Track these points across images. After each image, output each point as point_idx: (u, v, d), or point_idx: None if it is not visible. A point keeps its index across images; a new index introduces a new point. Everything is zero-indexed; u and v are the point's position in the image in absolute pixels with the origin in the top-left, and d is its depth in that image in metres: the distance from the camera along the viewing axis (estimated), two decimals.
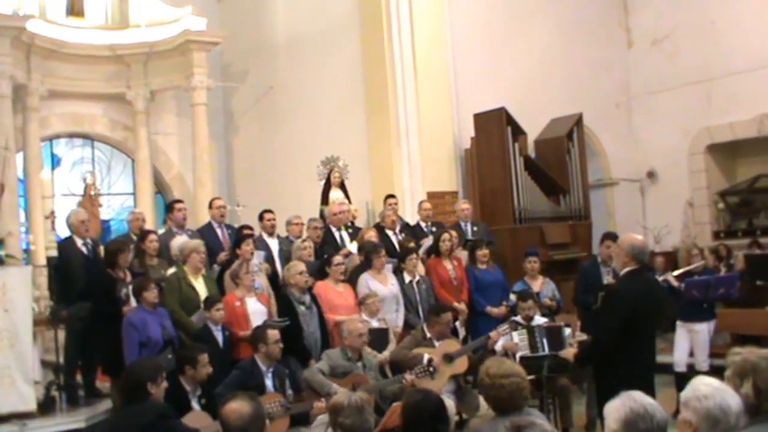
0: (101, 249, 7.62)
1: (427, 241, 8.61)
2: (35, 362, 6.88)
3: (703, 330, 7.82)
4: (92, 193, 12.36)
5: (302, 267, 7.00)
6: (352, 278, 7.59)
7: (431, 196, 10.27)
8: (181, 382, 5.36)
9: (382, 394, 5.99)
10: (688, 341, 7.84)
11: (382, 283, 7.45)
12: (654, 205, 13.05)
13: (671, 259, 9.58)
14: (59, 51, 11.80)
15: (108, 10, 12.70)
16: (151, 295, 6.40)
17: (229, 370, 5.94)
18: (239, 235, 7.66)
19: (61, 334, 7.09)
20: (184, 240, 7.61)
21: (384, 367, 6.61)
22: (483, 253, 8.14)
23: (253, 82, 13.00)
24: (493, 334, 6.71)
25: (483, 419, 4.28)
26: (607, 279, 7.48)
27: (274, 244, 8.31)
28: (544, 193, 10.86)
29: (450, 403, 4.05)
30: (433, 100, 10.77)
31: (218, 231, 8.37)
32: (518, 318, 6.99)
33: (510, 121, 10.50)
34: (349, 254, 8.16)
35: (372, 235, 8.30)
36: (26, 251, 10.80)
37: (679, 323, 7.87)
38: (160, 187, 13.37)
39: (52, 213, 7.40)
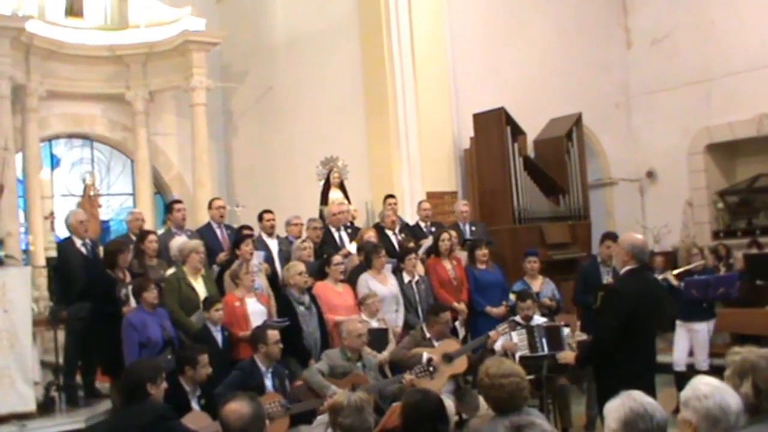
0: (101, 249, 7.62)
1: (427, 242, 8.61)
2: (35, 363, 6.87)
3: (703, 329, 7.82)
4: (91, 193, 12.35)
5: (302, 267, 7.00)
6: (351, 278, 7.59)
7: (431, 196, 10.27)
8: (180, 382, 5.36)
9: (381, 394, 5.98)
10: (687, 341, 7.84)
11: (382, 283, 7.45)
12: (653, 204, 13.05)
13: (671, 259, 9.57)
14: (58, 51, 11.79)
15: (107, 10, 12.69)
16: (151, 295, 6.41)
17: (228, 370, 5.94)
18: (239, 236, 7.66)
19: (61, 335, 7.08)
20: (184, 240, 7.61)
21: (384, 367, 6.61)
22: (482, 252, 8.14)
23: (253, 82, 13.00)
24: (492, 333, 6.70)
25: (483, 419, 4.29)
26: (607, 279, 7.49)
27: (273, 245, 8.31)
28: (543, 193, 10.85)
29: (449, 403, 4.05)
30: (433, 100, 10.77)
31: (218, 231, 8.37)
32: (517, 318, 6.99)
33: (509, 121, 10.50)
34: (348, 254, 8.16)
35: (371, 236, 8.30)
36: (26, 252, 10.81)
37: (678, 323, 7.87)
38: (159, 187, 13.37)
39: (52, 213, 7.39)
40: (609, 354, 4.88)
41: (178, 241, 7.64)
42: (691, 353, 7.86)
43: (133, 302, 6.68)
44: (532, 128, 11.32)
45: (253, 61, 12.99)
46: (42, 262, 8.26)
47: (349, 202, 9.88)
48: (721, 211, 12.36)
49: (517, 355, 6.49)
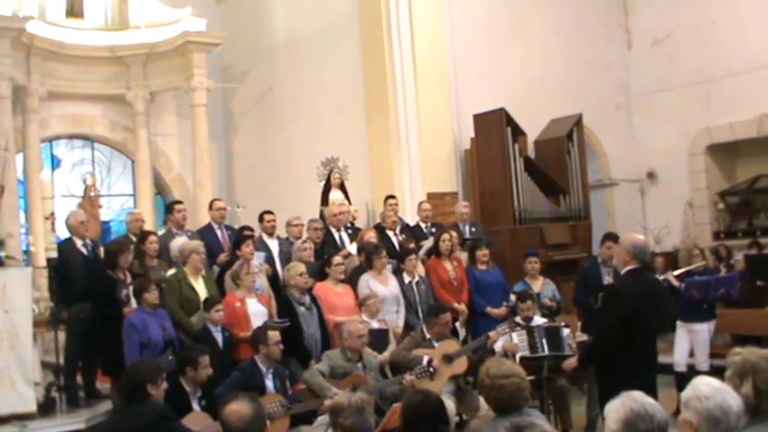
0: (101, 250, 7.62)
1: (428, 243, 8.60)
2: (35, 363, 6.88)
3: (703, 330, 7.82)
4: (92, 194, 12.36)
5: (302, 268, 7.00)
6: (351, 279, 7.59)
7: (431, 196, 10.26)
8: (181, 383, 5.36)
9: (382, 395, 5.98)
10: (688, 341, 7.84)
11: (382, 284, 7.45)
12: (654, 205, 13.05)
13: (671, 260, 9.58)
14: (59, 52, 11.80)
15: (107, 11, 12.70)
16: (152, 296, 6.41)
17: (229, 371, 5.94)
18: (239, 236, 7.65)
19: (62, 336, 7.08)
20: (184, 241, 7.61)
21: (384, 367, 6.60)
22: (483, 253, 8.13)
23: (253, 83, 13.00)
24: (492, 333, 6.70)
25: (483, 420, 4.28)
26: (608, 279, 7.49)
27: (274, 245, 8.31)
28: (544, 193, 10.85)
29: (450, 403, 4.05)
30: (433, 101, 10.76)
31: (218, 232, 8.37)
32: (518, 319, 6.99)
33: (510, 121, 10.49)
34: (348, 255, 8.16)
35: (371, 236, 8.29)
36: (26, 252, 10.81)
37: (679, 323, 7.87)
38: (160, 188, 13.37)
39: (52, 214, 7.38)
40: (609, 354, 4.88)
41: (179, 242, 7.65)
42: (691, 354, 7.86)
43: (133, 303, 6.68)
44: (533, 129, 11.32)
45: (253, 62, 13.00)
46: (42, 262, 8.27)
47: (350, 203, 9.88)
48: (721, 211, 12.35)
49: (518, 356, 6.48)
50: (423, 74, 10.71)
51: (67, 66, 11.98)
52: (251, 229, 8.40)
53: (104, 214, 12.83)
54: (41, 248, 9.20)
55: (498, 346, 6.72)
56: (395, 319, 7.41)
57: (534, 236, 10.22)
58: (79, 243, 7.27)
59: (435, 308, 6.88)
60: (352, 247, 8.38)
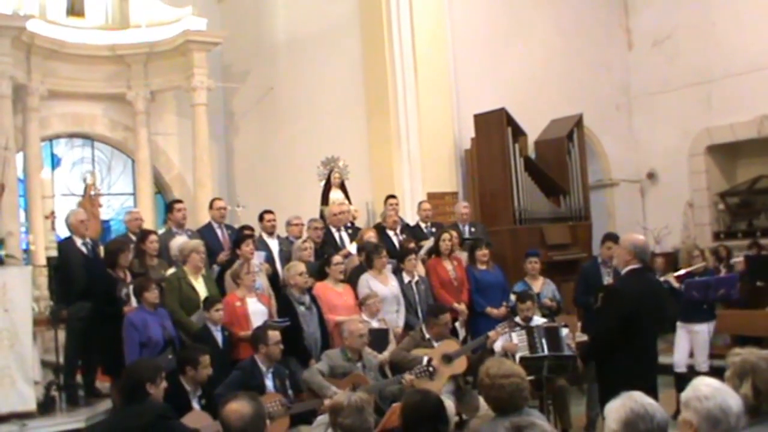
0: (101, 249, 7.62)
1: (428, 243, 8.60)
2: (35, 362, 6.87)
3: (703, 331, 7.81)
4: (92, 193, 12.38)
5: (302, 267, 7.00)
6: (351, 279, 7.59)
7: (431, 196, 10.27)
8: (181, 382, 5.36)
9: (381, 395, 5.98)
10: (688, 342, 7.83)
11: (383, 284, 7.45)
12: (654, 206, 13.05)
13: (671, 260, 9.58)
14: (59, 51, 11.80)
15: (108, 10, 12.70)
16: (152, 295, 6.41)
17: (228, 370, 5.94)
18: (239, 236, 7.65)
19: (61, 334, 7.08)
20: (184, 240, 7.61)
21: (384, 367, 6.60)
22: (483, 253, 8.13)
23: (254, 82, 13.00)
24: (491, 333, 6.70)
25: (483, 420, 4.28)
26: (608, 280, 7.49)
27: (274, 245, 8.31)
28: (544, 193, 10.85)
29: (449, 403, 4.05)
30: (433, 101, 10.76)
31: (218, 231, 8.37)
32: (517, 319, 6.99)
33: (510, 121, 10.49)
34: (348, 255, 8.16)
35: (371, 236, 8.29)
36: (26, 251, 10.80)
37: (679, 324, 7.86)
38: (160, 187, 13.37)
39: (52, 213, 7.38)
40: (607, 352, 4.88)
41: (179, 241, 7.65)
42: (691, 354, 7.86)
43: (133, 302, 6.68)
44: (533, 129, 11.32)
45: (254, 61, 13.00)
46: (42, 261, 8.27)
47: (350, 203, 9.87)
48: (721, 212, 12.36)
49: (517, 356, 6.48)
50: (423, 74, 10.72)
51: (67, 65, 11.98)
52: (251, 229, 8.40)
53: (104, 213, 12.84)
54: (41, 247, 9.20)
55: (498, 346, 6.72)
56: (395, 318, 7.41)
57: (534, 236, 10.22)
58: (79, 242, 7.26)
59: (435, 309, 6.88)
60: (352, 247, 8.38)
